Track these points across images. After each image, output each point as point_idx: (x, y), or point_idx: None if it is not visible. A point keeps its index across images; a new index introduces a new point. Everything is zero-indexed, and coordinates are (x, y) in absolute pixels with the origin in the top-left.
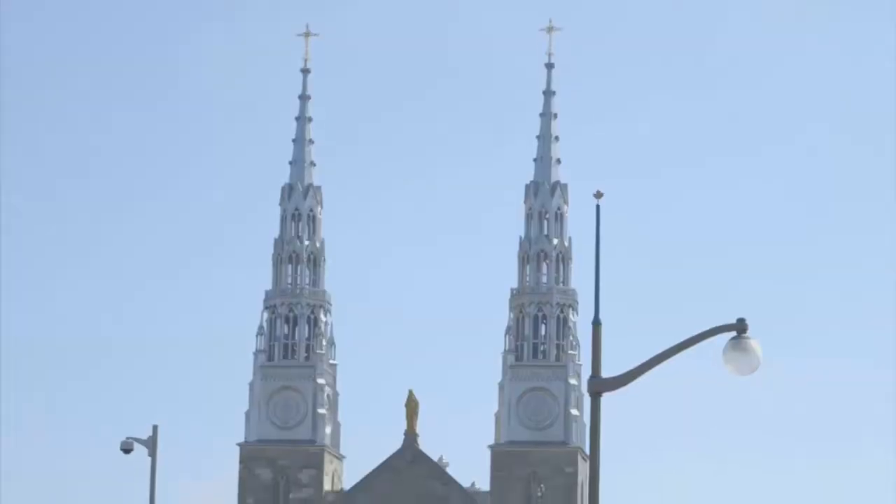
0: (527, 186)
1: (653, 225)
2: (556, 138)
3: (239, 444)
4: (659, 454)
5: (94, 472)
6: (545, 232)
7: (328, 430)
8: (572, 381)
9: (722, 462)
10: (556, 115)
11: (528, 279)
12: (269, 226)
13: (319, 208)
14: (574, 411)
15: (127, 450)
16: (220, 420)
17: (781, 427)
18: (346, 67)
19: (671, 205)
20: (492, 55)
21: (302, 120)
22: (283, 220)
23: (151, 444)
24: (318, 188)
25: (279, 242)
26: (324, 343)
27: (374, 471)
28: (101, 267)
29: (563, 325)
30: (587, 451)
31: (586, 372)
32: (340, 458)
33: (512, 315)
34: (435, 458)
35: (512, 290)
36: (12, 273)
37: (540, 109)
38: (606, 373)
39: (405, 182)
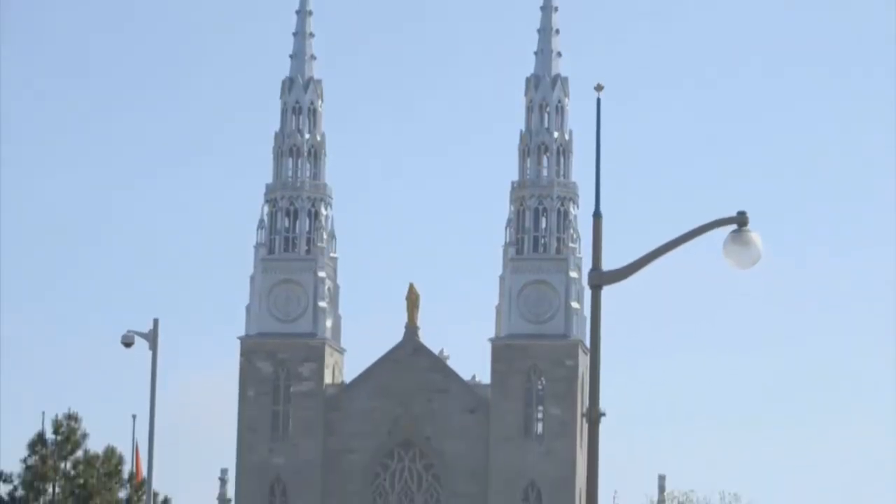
0: (527, 80)
1: (654, 118)
2: (557, 31)
3: (240, 338)
4: (659, 347)
5: (96, 366)
6: (546, 125)
7: (329, 323)
8: (573, 274)
9: (721, 355)
10: (556, 9)
11: (528, 172)
12: (270, 119)
13: (320, 102)
14: (574, 304)
15: (128, 343)
16: (220, 313)
17: (780, 321)
18: None
19: (672, 98)
20: None
21: (302, 13)
22: (284, 113)
23: (152, 337)
24: (319, 81)
25: (280, 136)
26: (324, 236)
27: (374, 364)
28: (101, 160)
29: (564, 217)
30: (587, 343)
31: (587, 265)
32: (341, 350)
33: (512, 208)
34: (435, 351)
35: (512, 183)
36: (13, 164)
37: (541, 2)
38: (607, 266)
39: (405, 76)
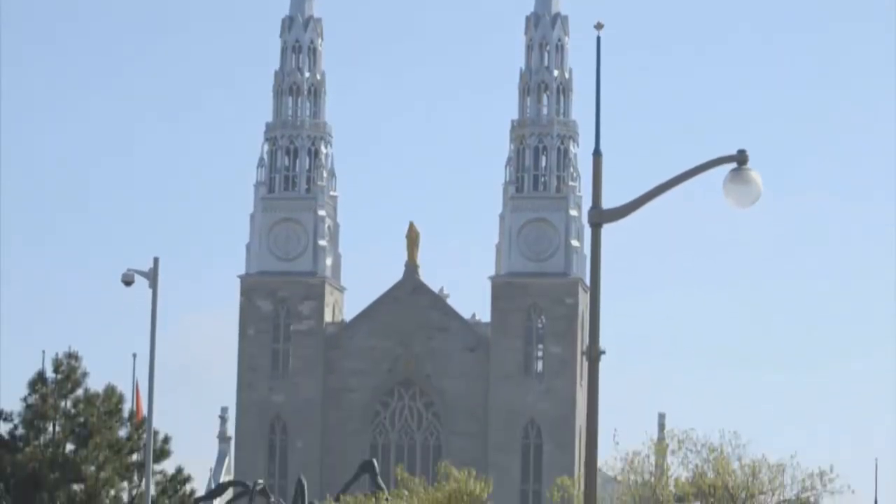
0: (527, 18)
1: (654, 57)
2: None
3: (240, 276)
4: (659, 285)
5: (96, 305)
6: (546, 63)
7: (329, 261)
8: (573, 213)
9: (721, 293)
10: None
11: (528, 111)
12: (270, 58)
13: (320, 40)
14: (574, 242)
15: (128, 282)
16: (221, 252)
17: (780, 260)
18: None
19: (672, 36)
20: None
21: None
22: (284, 52)
23: (152, 276)
24: (319, 20)
25: (280, 74)
26: (324, 175)
27: (374, 302)
28: (102, 101)
29: (564, 156)
30: (587, 282)
31: (587, 203)
32: (341, 289)
33: (512, 146)
34: (435, 290)
35: (512, 121)
36: (14, 103)
37: None
38: (607, 204)
39: (405, 15)
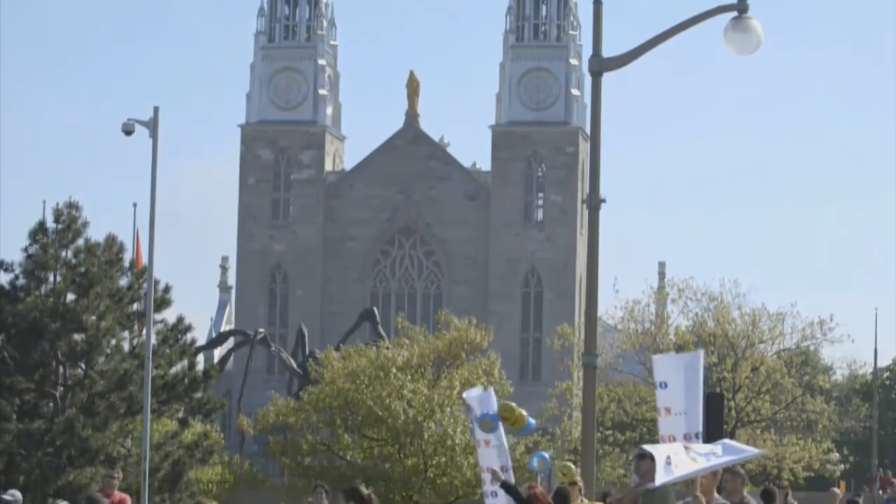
0: None
1: None
2: None
3: (240, 125)
4: (659, 133)
5: (96, 155)
6: None
7: (329, 110)
8: (573, 62)
9: (722, 141)
10: None
11: None
12: None
13: None
14: (575, 91)
15: (128, 132)
16: (221, 101)
17: (781, 107)
18: None
19: None
20: None
21: None
22: None
23: (152, 125)
24: None
25: None
26: (324, 23)
27: (374, 151)
28: None
29: (564, 4)
30: (588, 130)
31: (587, 52)
32: (341, 138)
33: None
34: (436, 139)
35: None
36: None
37: None
38: (607, 53)
39: None
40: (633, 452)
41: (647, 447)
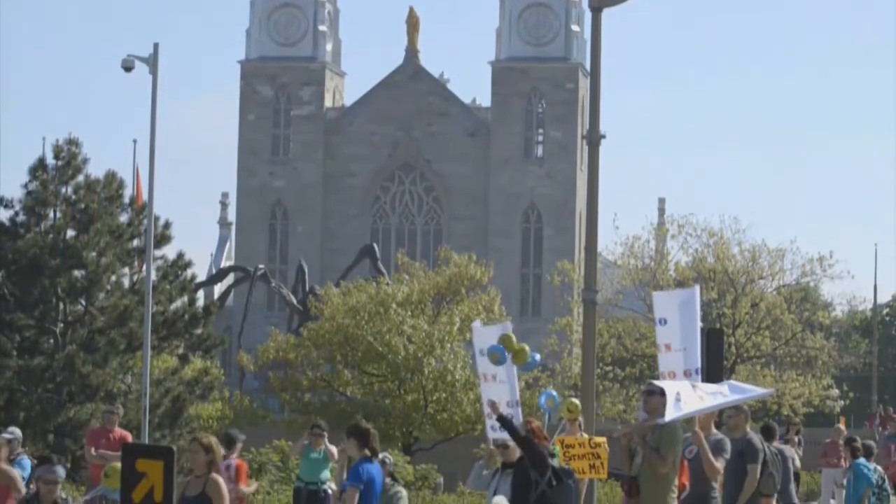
0: None
1: None
2: None
3: (240, 62)
4: (659, 69)
5: (96, 91)
6: None
7: (329, 46)
8: None
9: (722, 77)
10: None
11: None
12: None
13: None
14: (575, 27)
15: (128, 68)
16: (220, 37)
17: (781, 44)
18: None
19: None
20: None
21: None
22: None
23: (152, 61)
24: None
25: None
26: None
27: (374, 87)
28: None
29: None
30: (588, 66)
31: None
32: (341, 74)
33: None
34: (436, 75)
35: None
36: None
37: None
38: None
39: None
40: (634, 388)
41: (657, 383)
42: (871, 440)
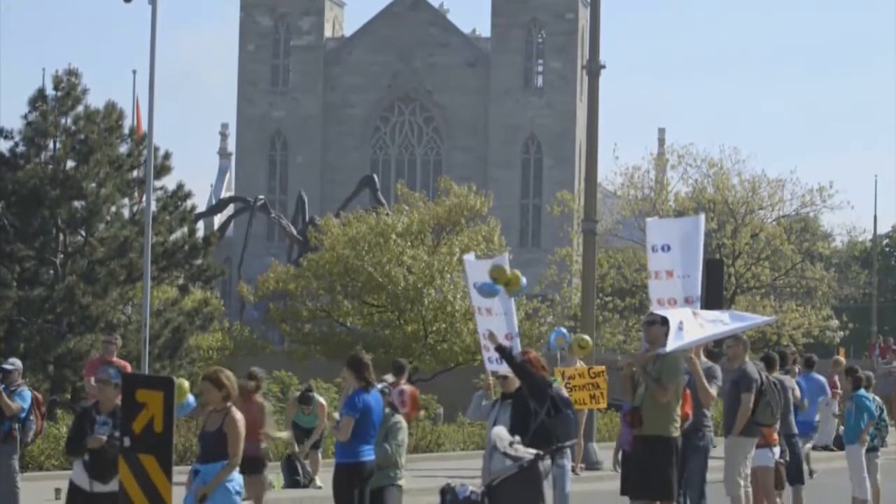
0: None
1: None
2: None
3: None
4: (659, 1)
5: (96, 22)
6: None
7: None
8: None
9: (723, 7)
10: None
11: None
12: None
13: None
14: None
15: None
16: None
17: None
18: None
19: None
20: None
21: None
22: None
23: None
24: None
25: None
26: None
27: (374, 17)
28: None
29: None
30: None
31: None
32: (341, 4)
33: None
34: (435, 5)
35: None
36: None
37: None
38: None
39: None
40: (633, 319)
41: (659, 312)
42: (871, 371)
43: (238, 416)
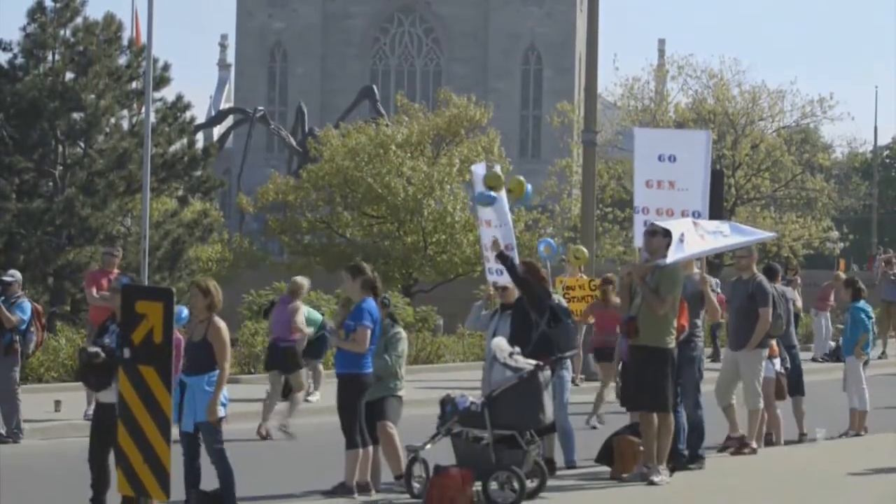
0: None
1: None
2: None
3: None
4: None
5: None
6: None
7: None
8: None
9: None
10: None
11: None
12: None
13: None
14: None
15: None
16: None
17: None
18: None
19: None
20: None
21: None
22: None
23: None
24: None
25: None
26: None
27: None
28: None
29: None
30: None
31: None
32: None
33: None
34: None
35: None
36: None
37: None
38: None
39: None
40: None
41: (660, 223)
42: (872, 282)
43: (221, 324)
